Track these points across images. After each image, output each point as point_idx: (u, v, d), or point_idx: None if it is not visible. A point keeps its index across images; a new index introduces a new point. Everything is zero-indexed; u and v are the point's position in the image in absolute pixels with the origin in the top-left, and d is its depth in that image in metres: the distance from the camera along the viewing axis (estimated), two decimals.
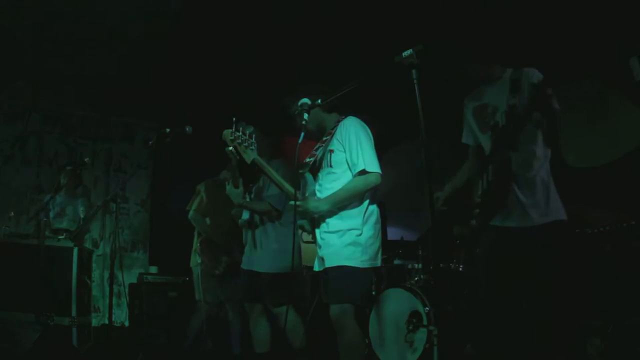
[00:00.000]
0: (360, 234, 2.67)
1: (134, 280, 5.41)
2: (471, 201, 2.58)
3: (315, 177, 2.88)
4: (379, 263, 2.76)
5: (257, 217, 3.43)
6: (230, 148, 2.79)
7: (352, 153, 2.71)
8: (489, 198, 2.49)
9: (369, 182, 2.68)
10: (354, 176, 2.72)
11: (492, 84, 2.60)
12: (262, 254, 3.37)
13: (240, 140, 2.77)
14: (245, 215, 3.46)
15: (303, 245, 3.63)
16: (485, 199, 2.51)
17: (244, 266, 3.47)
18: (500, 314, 2.47)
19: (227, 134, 2.77)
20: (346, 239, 2.66)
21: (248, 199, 3.35)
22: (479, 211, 2.52)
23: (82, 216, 5.03)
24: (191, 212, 4.29)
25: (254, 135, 2.82)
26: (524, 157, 2.45)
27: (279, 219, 3.41)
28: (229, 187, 3.28)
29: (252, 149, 2.80)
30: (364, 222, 2.70)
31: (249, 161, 2.81)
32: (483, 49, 2.57)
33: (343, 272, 2.63)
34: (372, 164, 2.69)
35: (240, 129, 2.76)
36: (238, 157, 2.90)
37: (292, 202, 2.68)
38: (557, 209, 2.46)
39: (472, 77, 2.64)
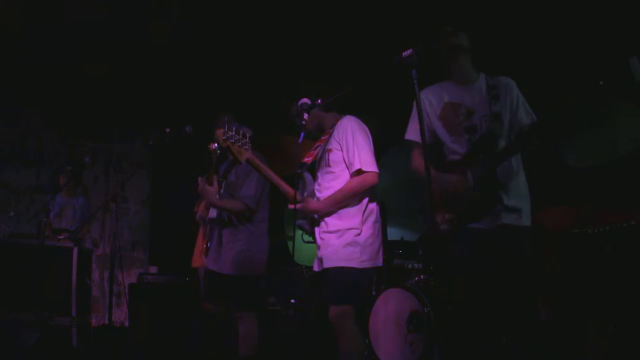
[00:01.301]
0: (359, 234, 2.66)
1: (134, 280, 5.41)
2: (438, 204, 2.49)
3: (314, 176, 2.87)
4: (380, 262, 2.74)
5: (225, 216, 3.36)
6: (216, 145, 2.78)
7: (348, 152, 2.70)
8: (467, 204, 2.43)
9: (366, 181, 2.67)
10: (351, 176, 2.71)
11: (467, 85, 2.56)
12: (228, 255, 3.31)
13: (233, 140, 2.74)
14: (212, 214, 3.38)
15: (303, 245, 3.62)
16: (461, 205, 2.45)
17: (208, 266, 3.40)
18: (490, 311, 2.47)
19: (219, 134, 2.75)
20: (345, 239, 2.65)
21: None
22: (454, 216, 2.47)
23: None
24: (199, 213, 4.27)
25: (248, 135, 2.80)
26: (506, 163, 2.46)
27: (252, 220, 3.37)
28: (203, 185, 3.20)
29: (246, 149, 2.78)
30: (363, 222, 2.69)
31: (242, 161, 2.78)
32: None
33: (342, 273, 2.62)
34: (368, 163, 2.67)
35: (234, 128, 2.75)
36: (219, 154, 2.88)
37: (291, 205, 2.68)
38: (530, 213, 2.50)
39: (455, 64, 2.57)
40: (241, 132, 2.76)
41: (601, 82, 2.16)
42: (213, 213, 3.38)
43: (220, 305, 3.39)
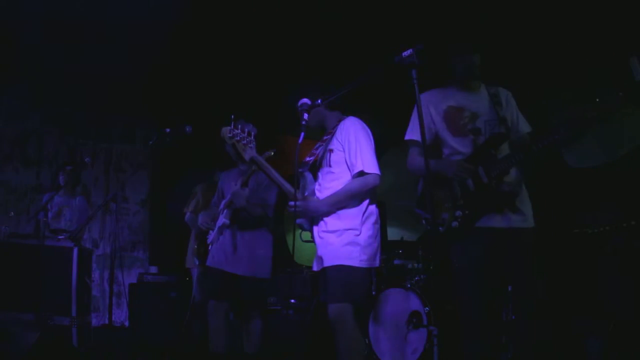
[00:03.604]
0: (359, 234, 2.66)
1: (134, 280, 5.41)
2: (449, 203, 2.58)
3: (315, 176, 2.87)
4: (377, 264, 2.74)
5: (242, 221, 3.43)
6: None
7: (350, 154, 2.70)
8: (477, 201, 2.51)
9: (367, 183, 2.67)
10: (353, 177, 2.71)
11: (470, 92, 2.69)
12: (246, 257, 3.41)
13: (238, 138, 2.75)
14: (224, 219, 3.42)
15: (303, 245, 3.63)
16: (471, 202, 2.52)
17: (217, 265, 3.46)
18: (490, 311, 2.53)
19: (225, 131, 2.75)
20: (344, 239, 2.65)
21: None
22: (464, 213, 2.53)
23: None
24: (188, 214, 4.29)
25: (253, 133, 2.80)
26: (503, 165, 2.54)
27: (267, 226, 3.52)
28: (236, 187, 3.31)
29: (251, 147, 2.78)
30: (363, 222, 2.69)
31: (247, 159, 2.79)
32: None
33: (341, 271, 2.62)
34: (370, 165, 2.68)
35: (239, 126, 2.75)
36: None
37: (291, 203, 2.68)
38: (531, 215, 2.58)
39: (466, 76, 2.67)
40: (246, 130, 2.77)
41: (620, 94, 2.25)
42: (223, 219, 3.43)
43: (224, 305, 3.44)
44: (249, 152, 2.78)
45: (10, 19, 4.81)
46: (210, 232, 3.61)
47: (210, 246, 3.56)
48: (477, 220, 2.52)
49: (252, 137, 2.79)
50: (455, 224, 2.53)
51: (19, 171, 6.08)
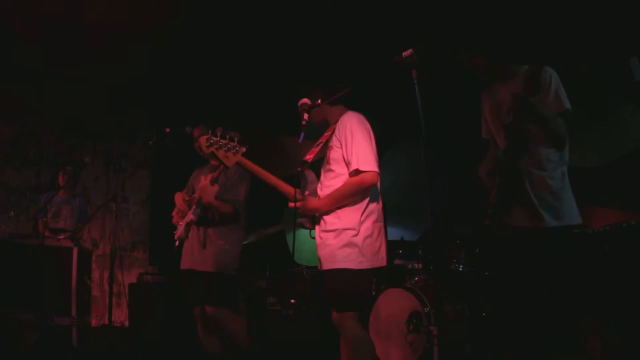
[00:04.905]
0: (357, 234, 2.60)
1: (134, 280, 5.40)
2: (487, 201, 2.54)
3: (317, 174, 2.86)
4: (380, 263, 2.67)
5: (210, 217, 3.38)
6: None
7: (347, 151, 2.65)
8: (501, 198, 2.45)
9: (363, 181, 2.60)
10: (350, 175, 2.66)
11: (507, 83, 2.54)
12: (211, 253, 3.36)
13: (217, 146, 2.63)
14: (191, 216, 3.32)
15: (303, 245, 3.61)
16: (497, 199, 2.47)
17: (188, 267, 3.43)
18: (511, 312, 2.49)
19: (203, 141, 2.63)
20: (342, 240, 2.60)
21: None
22: (492, 211, 2.47)
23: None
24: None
25: (236, 138, 2.69)
26: (534, 157, 2.43)
27: (237, 222, 3.45)
28: (205, 182, 3.20)
29: (234, 152, 2.67)
30: (362, 222, 2.63)
31: (229, 165, 2.71)
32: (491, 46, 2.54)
33: (341, 276, 2.57)
34: (366, 163, 2.60)
35: (218, 134, 2.64)
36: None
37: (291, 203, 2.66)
38: (570, 213, 2.44)
39: (487, 75, 2.59)
40: (227, 136, 2.66)
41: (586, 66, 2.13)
42: (191, 215, 3.31)
43: (202, 305, 3.39)
44: (232, 159, 2.67)
45: (10, 19, 4.81)
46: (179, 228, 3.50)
47: (177, 243, 3.47)
48: (502, 218, 2.45)
49: (236, 142, 2.68)
50: (487, 220, 2.47)
51: (19, 171, 6.08)
